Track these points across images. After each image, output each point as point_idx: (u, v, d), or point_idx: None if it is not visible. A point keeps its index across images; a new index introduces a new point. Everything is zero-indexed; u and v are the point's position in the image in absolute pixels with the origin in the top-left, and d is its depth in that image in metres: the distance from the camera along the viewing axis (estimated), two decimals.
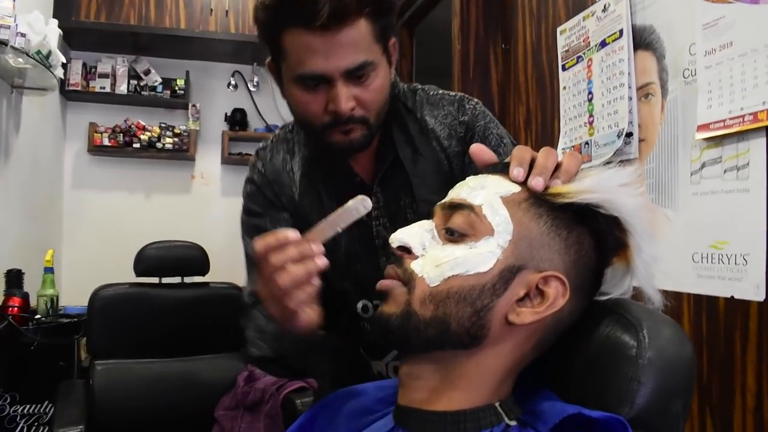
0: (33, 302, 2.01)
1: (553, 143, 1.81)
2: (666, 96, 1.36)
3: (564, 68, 1.75)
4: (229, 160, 3.35)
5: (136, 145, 3.15)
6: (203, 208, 3.34)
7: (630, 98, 1.46)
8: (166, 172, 3.33)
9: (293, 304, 0.68)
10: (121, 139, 3.13)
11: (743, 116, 1.14)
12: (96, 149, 3.13)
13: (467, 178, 0.65)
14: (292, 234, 0.68)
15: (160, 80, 3.16)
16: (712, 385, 1.18)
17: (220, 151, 3.38)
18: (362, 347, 1.07)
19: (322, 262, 0.68)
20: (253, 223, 1.03)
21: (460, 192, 0.63)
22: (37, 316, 1.87)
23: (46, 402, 1.81)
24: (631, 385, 0.51)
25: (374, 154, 1.03)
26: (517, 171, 0.61)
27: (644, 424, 0.51)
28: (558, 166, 0.61)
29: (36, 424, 1.80)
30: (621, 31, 1.48)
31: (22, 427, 1.80)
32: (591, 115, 1.61)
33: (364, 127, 0.93)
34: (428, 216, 0.96)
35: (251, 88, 3.44)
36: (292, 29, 0.85)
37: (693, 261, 1.26)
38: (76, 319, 1.89)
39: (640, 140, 1.44)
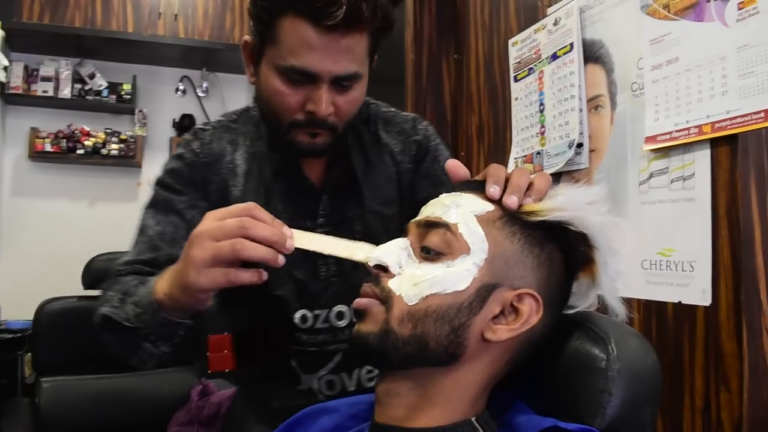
0: None
1: (505, 153, 1.84)
2: (615, 108, 1.41)
3: (516, 79, 1.79)
4: None
5: (80, 152, 3.05)
6: None
7: (581, 110, 1.51)
8: (111, 179, 3.23)
9: (232, 276, 0.66)
10: (65, 144, 3.02)
11: (689, 129, 1.19)
12: (37, 155, 3.01)
13: (441, 196, 0.66)
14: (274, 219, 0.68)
15: (105, 84, 3.07)
16: (662, 388, 1.23)
17: (167, 157, 3.30)
18: (295, 360, 1.00)
19: (281, 259, 0.67)
20: (165, 198, 0.95)
21: (435, 210, 0.63)
22: None
23: None
24: (602, 397, 0.53)
25: (327, 160, 1.02)
26: (494, 189, 0.62)
27: None
28: (530, 186, 0.63)
29: None
30: (572, 45, 1.52)
31: None
32: (543, 126, 1.65)
33: (331, 134, 0.93)
34: (375, 228, 0.98)
35: (200, 94, 3.38)
36: (297, 18, 0.82)
37: (642, 268, 1.31)
38: (19, 335, 1.81)
39: (591, 150, 1.49)
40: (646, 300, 1.29)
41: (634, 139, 1.35)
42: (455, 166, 0.68)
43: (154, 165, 3.31)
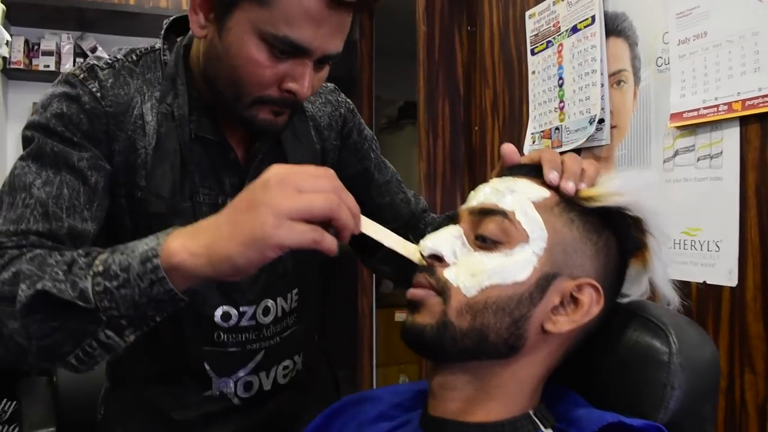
0: None
1: (521, 127, 1.82)
2: (638, 83, 1.38)
3: (533, 53, 1.76)
4: None
5: None
6: None
7: (602, 85, 1.48)
8: None
9: (317, 237, 0.55)
10: None
11: (717, 106, 1.17)
12: None
13: (493, 181, 0.64)
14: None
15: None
16: None
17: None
18: (208, 363, 0.86)
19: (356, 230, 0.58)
20: (55, 150, 0.74)
21: (489, 196, 0.61)
22: None
23: (5, 400, 1.73)
24: (665, 390, 0.52)
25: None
26: (554, 175, 0.60)
27: (677, 427, 0.52)
28: (582, 172, 0.61)
29: None
30: (593, 18, 1.48)
31: None
32: (562, 101, 1.62)
33: (291, 112, 0.83)
34: None
35: None
36: None
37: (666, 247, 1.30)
38: None
39: (612, 127, 1.46)
40: (670, 279, 1.28)
41: (658, 115, 1.32)
42: (510, 151, 0.67)
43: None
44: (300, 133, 0.92)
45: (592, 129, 1.48)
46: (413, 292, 0.60)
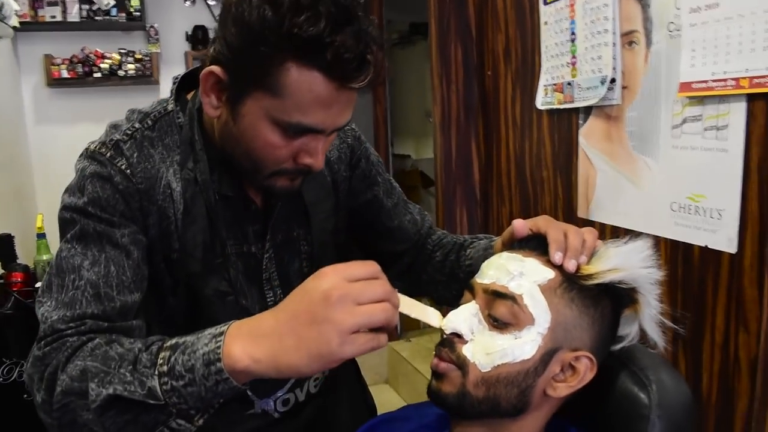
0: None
1: (534, 77, 1.84)
2: (650, 46, 1.40)
3: (545, 2, 1.74)
4: None
5: (97, 75, 3.02)
6: None
7: (614, 44, 1.49)
8: (131, 99, 3.22)
9: (380, 342, 0.59)
10: (81, 69, 2.99)
11: (725, 80, 1.20)
12: (55, 82, 2.99)
13: (504, 258, 0.72)
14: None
15: (112, 2, 2.97)
16: (685, 321, 1.34)
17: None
18: (250, 388, 0.85)
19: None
20: (96, 229, 0.78)
21: (500, 276, 0.70)
22: (38, 284, 1.90)
23: None
24: None
25: None
26: (558, 256, 0.69)
27: None
28: (582, 244, 0.69)
29: None
30: None
31: None
32: (574, 56, 1.64)
33: (303, 177, 0.86)
34: (320, 247, 0.93)
35: (210, 2, 3.27)
36: (311, 70, 0.70)
37: (671, 210, 1.37)
38: None
39: (623, 87, 1.49)
40: (673, 240, 1.37)
41: (668, 81, 1.35)
42: (520, 227, 0.75)
43: (171, 81, 3.30)
44: (315, 175, 0.93)
45: (603, 90, 1.51)
46: (438, 364, 0.71)
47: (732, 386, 1.24)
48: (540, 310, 0.67)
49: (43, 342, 0.72)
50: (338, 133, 1.01)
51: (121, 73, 3.05)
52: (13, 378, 1.85)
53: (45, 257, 1.94)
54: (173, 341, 0.66)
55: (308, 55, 0.69)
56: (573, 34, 1.63)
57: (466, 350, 0.69)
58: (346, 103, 0.75)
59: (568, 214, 1.74)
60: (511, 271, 0.69)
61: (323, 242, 0.98)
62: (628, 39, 1.46)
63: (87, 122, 3.18)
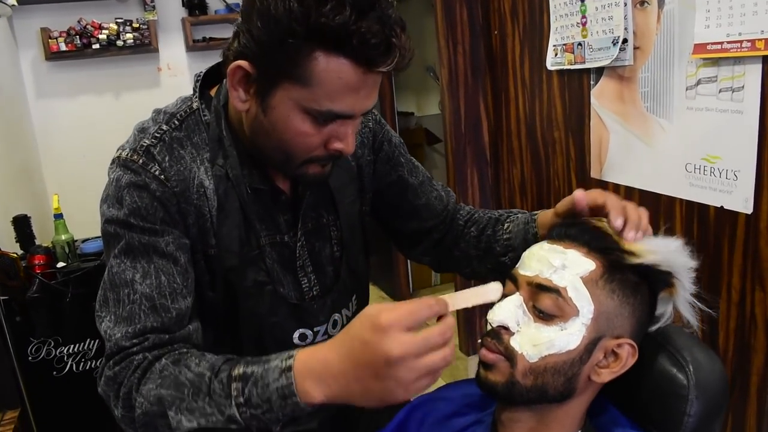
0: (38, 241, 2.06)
1: (542, 37, 1.82)
2: (662, 6, 1.38)
3: None
4: (194, 47, 3.22)
5: (96, 46, 2.98)
6: (175, 98, 3.26)
7: (625, 4, 1.47)
8: (131, 68, 3.19)
9: (435, 379, 0.61)
10: (78, 41, 2.95)
11: (741, 42, 1.19)
12: (54, 56, 2.96)
13: (546, 249, 0.74)
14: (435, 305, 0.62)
15: None
16: (701, 281, 1.37)
17: (183, 39, 3.24)
18: None
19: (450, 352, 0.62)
20: (141, 241, 0.80)
21: (543, 269, 0.72)
22: (59, 264, 1.92)
23: (88, 339, 1.94)
24: (684, 418, 0.68)
25: None
26: (620, 222, 0.73)
27: None
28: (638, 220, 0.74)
29: (83, 360, 1.95)
30: None
31: (71, 365, 1.95)
32: (584, 16, 1.62)
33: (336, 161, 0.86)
34: (349, 231, 0.95)
35: None
36: (338, 58, 0.71)
37: (686, 170, 1.39)
38: (97, 262, 1.94)
39: (635, 48, 1.48)
40: (688, 201, 1.39)
41: (682, 42, 1.35)
42: (581, 199, 0.78)
43: (170, 48, 3.26)
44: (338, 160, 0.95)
45: (615, 51, 1.50)
46: (486, 355, 0.74)
47: (748, 342, 1.28)
48: (583, 302, 0.69)
49: (111, 361, 0.76)
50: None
51: (119, 43, 3.01)
52: (41, 356, 1.91)
53: (64, 237, 1.96)
54: (240, 370, 0.68)
55: (335, 43, 0.70)
56: None
57: (514, 342, 0.71)
58: (373, 86, 0.76)
59: (581, 175, 1.76)
60: (554, 264, 0.71)
61: (351, 225, 1.00)
62: None
63: (88, 94, 3.16)
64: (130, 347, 0.76)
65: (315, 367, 0.64)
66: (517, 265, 0.77)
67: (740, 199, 1.26)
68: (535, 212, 0.96)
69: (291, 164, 0.82)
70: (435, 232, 1.09)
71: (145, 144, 0.83)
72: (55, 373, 1.94)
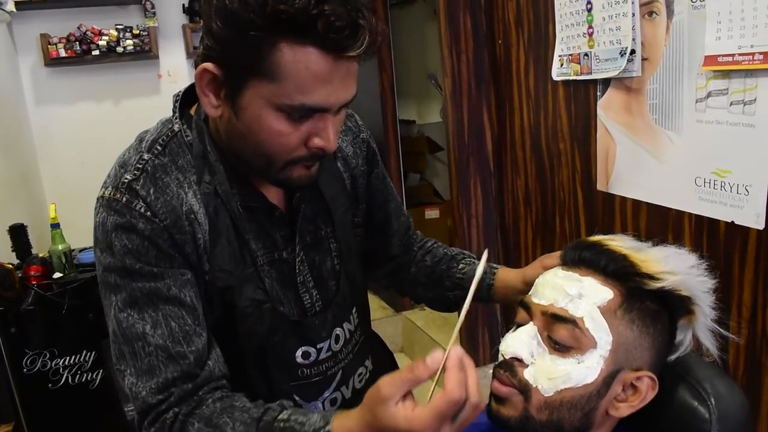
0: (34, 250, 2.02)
1: (548, 47, 1.80)
2: (672, 17, 1.36)
3: None
4: (195, 54, 3.19)
5: (95, 53, 2.96)
6: None
7: (633, 14, 1.45)
8: (131, 75, 3.17)
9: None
10: (78, 48, 2.93)
11: (753, 54, 1.17)
12: (53, 62, 2.94)
13: (560, 277, 0.71)
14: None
15: None
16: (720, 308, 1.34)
17: (183, 46, 3.22)
18: (297, 394, 0.93)
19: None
20: (143, 289, 0.77)
21: (558, 298, 0.68)
22: (55, 275, 1.89)
23: (84, 351, 1.91)
24: None
25: None
26: None
27: None
28: None
29: (79, 372, 1.92)
30: None
31: (67, 377, 1.91)
32: (590, 26, 1.60)
33: (320, 163, 0.82)
34: (346, 242, 0.93)
35: None
36: (305, 47, 0.67)
37: (695, 184, 1.36)
38: (94, 273, 1.90)
39: (644, 59, 1.46)
40: (698, 215, 1.36)
41: (691, 53, 1.32)
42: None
43: (171, 55, 3.24)
44: (329, 168, 0.93)
45: (623, 62, 1.48)
46: (498, 388, 0.70)
47: (759, 360, 1.25)
48: (601, 333, 0.66)
49: (146, 422, 0.77)
50: (350, 128, 1.01)
51: (119, 49, 2.99)
52: (37, 368, 1.88)
53: (60, 247, 1.93)
54: None
55: (298, 31, 0.66)
56: (589, 3, 1.59)
57: (528, 374, 0.68)
58: (347, 75, 0.72)
59: (587, 187, 1.73)
60: (570, 293, 0.68)
61: (346, 236, 0.97)
62: (647, 9, 1.42)
63: (88, 101, 3.13)
64: (158, 404, 0.76)
65: None
66: (530, 293, 0.74)
67: (752, 215, 1.24)
68: (496, 266, 0.99)
69: (273, 168, 0.78)
70: (400, 257, 1.11)
71: (126, 180, 0.79)
72: (50, 385, 1.90)
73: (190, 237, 0.80)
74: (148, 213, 0.77)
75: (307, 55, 0.67)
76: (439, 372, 0.60)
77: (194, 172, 0.82)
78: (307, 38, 0.66)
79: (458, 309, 0.98)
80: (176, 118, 0.84)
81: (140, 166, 0.80)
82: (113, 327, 0.79)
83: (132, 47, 3.02)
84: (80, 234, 2.37)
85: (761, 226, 1.21)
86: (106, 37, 2.96)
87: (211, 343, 0.81)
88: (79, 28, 2.93)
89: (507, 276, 0.95)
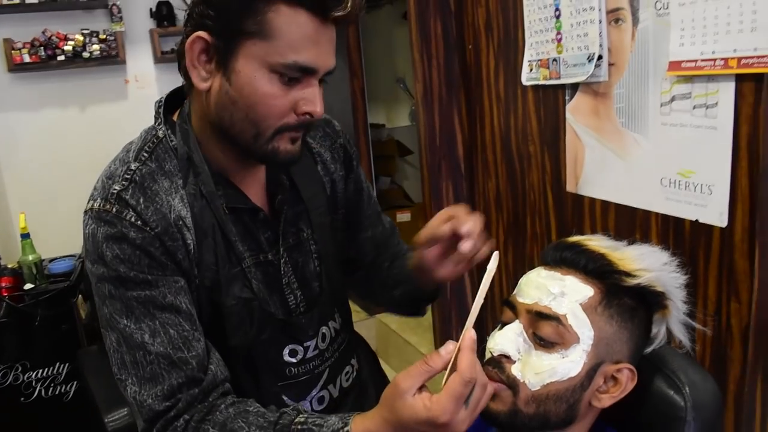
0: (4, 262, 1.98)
1: (517, 52, 1.84)
2: (637, 24, 1.41)
3: None
4: (163, 59, 3.16)
5: (61, 58, 2.91)
6: (144, 111, 3.13)
7: (600, 21, 1.50)
8: (97, 80, 3.12)
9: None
10: (43, 53, 2.87)
11: (714, 60, 1.23)
12: (17, 67, 2.87)
13: (543, 277, 0.74)
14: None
15: None
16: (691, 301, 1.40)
17: (151, 51, 3.19)
18: (285, 393, 0.95)
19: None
20: (138, 298, 0.77)
21: (542, 297, 0.72)
22: (27, 286, 1.85)
23: (58, 363, 1.87)
24: None
25: (265, 182, 0.92)
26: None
27: None
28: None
29: (52, 384, 1.88)
30: None
31: (39, 391, 1.87)
32: (559, 33, 1.64)
33: (303, 136, 0.84)
34: (325, 244, 0.96)
35: None
36: (295, 8, 0.73)
37: (661, 184, 1.42)
38: (67, 283, 1.88)
39: (610, 64, 1.51)
40: (664, 214, 1.42)
41: (656, 59, 1.38)
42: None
43: (138, 60, 3.20)
44: (305, 168, 0.97)
45: (591, 67, 1.53)
46: (488, 384, 0.72)
47: (725, 353, 1.31)
48: (584, 328, 0.70)
49: (155, 430, 0.77)
50: (328, 134, 1.03)
51: (85, 54, 2.95)
52: (8, 382, 1.84)
53: (31, 257, 1.90)
54: None
55: None
56: (557, 10, 1.63)
57: (515, 370, 0.72)
58: (330, 41, 0.78)
59: (557, 188, 1.78)
60: (552, 291, 0.72)
61: (324, 237, 0.99)
62: (614, 16, 1.47)
63: (53, 107, 3.08)
64: (166, 411, 0.76)
65: None
66: (514, 292, 0.77)
67: (715, 213, 1.29)
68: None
69: (262, 138, 0.79)
70: (369, 264, 1.12)
71: (115, 190, 0.79)
72: (22, 399, 1.87)
73: (181, 243, 0.81)
74: (139, 222, 0.78)
75: (299, 16, 0.74)
76: (451, 362, 0.63)
77: (180, 176, 0.83)
78: (303, 3, 0.73)
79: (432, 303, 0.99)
80: (159, 124, 0.86)
81: (128, 176, 0.81)
82: (111, 337, 0.79)
83: (98, 52, 2.98)
84: (50, 244, 2.33)
85: (724, 224, 1.27)
86: (72, 42, 2.92)
87: (209, 347, 0.82)
88: (43, 32, 2.88)
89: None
